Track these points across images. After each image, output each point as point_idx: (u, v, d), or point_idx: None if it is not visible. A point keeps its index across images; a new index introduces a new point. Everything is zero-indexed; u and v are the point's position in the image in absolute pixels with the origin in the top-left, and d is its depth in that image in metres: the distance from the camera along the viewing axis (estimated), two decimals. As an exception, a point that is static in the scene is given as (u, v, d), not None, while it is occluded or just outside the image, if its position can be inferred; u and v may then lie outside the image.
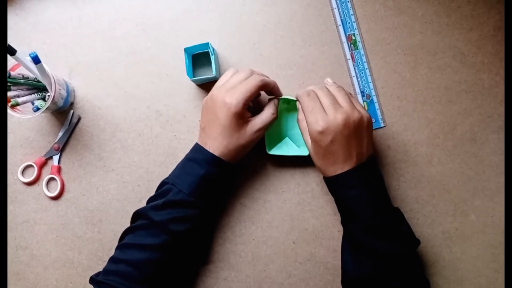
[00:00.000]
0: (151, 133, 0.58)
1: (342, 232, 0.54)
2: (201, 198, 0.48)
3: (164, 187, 0.49)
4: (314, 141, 0.46)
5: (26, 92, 0.56)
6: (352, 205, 0.46)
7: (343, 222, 0.50)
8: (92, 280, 0.47)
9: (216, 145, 0.48)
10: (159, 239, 0.47)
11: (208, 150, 0.48)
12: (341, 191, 0.47)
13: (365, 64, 0.56)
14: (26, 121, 0.59)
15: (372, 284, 0.46)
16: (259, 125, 0.49)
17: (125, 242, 0.49)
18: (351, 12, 0.57)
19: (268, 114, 0.50)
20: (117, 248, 0.50)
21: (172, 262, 0.48)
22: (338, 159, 0.46)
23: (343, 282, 0.50)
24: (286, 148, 0.55)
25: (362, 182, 0.46)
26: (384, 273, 0.46)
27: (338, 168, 0.46)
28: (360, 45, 0.57)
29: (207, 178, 0.48)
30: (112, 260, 0.48)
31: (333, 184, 0.48)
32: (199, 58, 0.58)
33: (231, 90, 0.47)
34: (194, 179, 0.48)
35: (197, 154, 0.49)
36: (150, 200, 0.50)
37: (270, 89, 0.51)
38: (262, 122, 0.49)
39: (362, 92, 0.56)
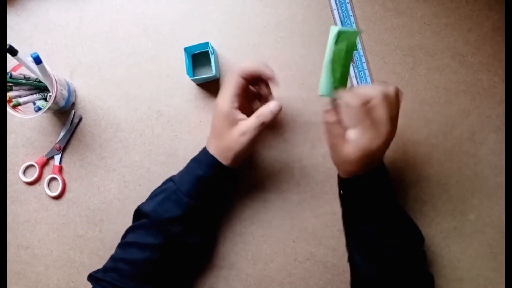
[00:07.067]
0: (152, 133, 0.58)
1: (341, 232, 0.54)
2: (197, 200, 0.49)
3: (167, 184, 0.51)
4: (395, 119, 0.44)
5: (28, 92, 0.56)
6: (380, 201, 0.47)
7: (359, 222, 0.49)
8: (91, 276, 0.48)
9: (211, 146, 0.49)
10: (157, 239, 0.47)
11: (208, 150, 0.49)
12: (377, 185, 0.47)
13: (364, 65, 0.57)
14: (28, 121, 0.60)
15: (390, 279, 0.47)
16: (243, 128, 0.47)
17: (126, 240, 0.50)
18: (350, 13, 0.57)
19: (253, 119, 0.48)
20: (118, 246, 0.50)
21: (171, 261, 0.49)
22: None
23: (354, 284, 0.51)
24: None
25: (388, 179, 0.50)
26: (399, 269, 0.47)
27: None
28: (359, 46, 0.57)
29: (204, 179, 0.49)
30: (112, 258, 0.49)
31: (378, 175, 0.47)
32: (199, 58, 0.58)
33: (219, 93, 0.49)
34: (192, 179, 0.49)
35: (200, 155, 0.51)
36: (153, 194, 0.52)
37: (258, 74, 0.49)
38: (246, 126, 0.47)
39: (361, 92, 0.57)
